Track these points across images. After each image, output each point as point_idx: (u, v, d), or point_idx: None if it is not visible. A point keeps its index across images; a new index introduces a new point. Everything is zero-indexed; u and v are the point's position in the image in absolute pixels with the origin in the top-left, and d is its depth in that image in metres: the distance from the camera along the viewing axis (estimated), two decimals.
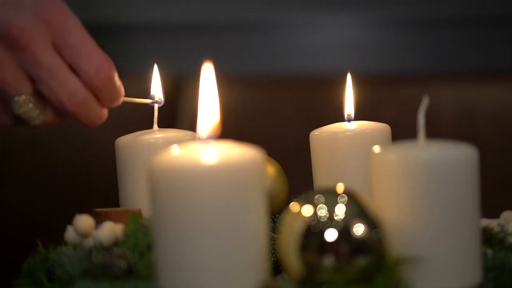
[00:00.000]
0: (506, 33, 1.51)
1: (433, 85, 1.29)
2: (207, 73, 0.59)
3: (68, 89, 0.66)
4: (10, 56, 0.64)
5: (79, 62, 0.66)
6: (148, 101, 0.75)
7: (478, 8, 1.50)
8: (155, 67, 0.77)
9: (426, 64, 1.51)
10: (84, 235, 0.63)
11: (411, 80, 1.34)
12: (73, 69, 0.66)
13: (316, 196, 0.56)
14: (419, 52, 1.51)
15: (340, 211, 0.55)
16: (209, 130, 0.57)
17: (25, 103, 0.66)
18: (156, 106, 0.76)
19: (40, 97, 0.67)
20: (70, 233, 0.63)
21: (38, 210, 1.21)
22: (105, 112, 0.70)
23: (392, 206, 0.58)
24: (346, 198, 0.56)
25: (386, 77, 1.36)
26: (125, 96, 0.71)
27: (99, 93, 0.68)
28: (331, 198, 0.56)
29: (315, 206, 0.56)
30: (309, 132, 0.77)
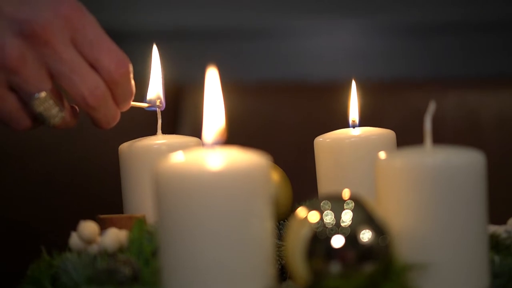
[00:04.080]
0: (509, 39, 1.51)
1: (436, 91, 1.29)
2: (212, 78, 0.59)
3: (90, 83, 0.66)
4: (31, 52, 0.65)
5: (99, 57, 0.67)
6: (145, 105, 0.75)
7: (481, 14, 1.50)
8: (155, 52, 0.76)
9: (430, 70, 1.51)
10: (88, 242, 0.62)
11: (415, 86, 1.33)
12: (92, 65, 0.67)
13: (322, 203, 0.56)
14: (423, 58, 1.51)
15: (346, 217, 0.55)
16: (215, 136, 0.57)
17: (45, 100, 0.66)
18: (158, 110, 0.75)
19: (58, 95, 0.67)
20: (74, 240, 0.63)
21: (41, 217, 1.21)
22: (119, 112, 0.70)
23: (399, 212, 0.57)
24: (353, 204, 0.56)
25: (390, 83, 1.36)
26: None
27: (116, 89, 0.68)
28: (337, 204, 0.56)
29: (321, 212, 0.55)
30: (313, 139, 0.77)
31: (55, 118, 0.67)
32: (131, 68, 0.69)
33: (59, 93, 0.67)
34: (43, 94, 0.66)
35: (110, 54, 0.67)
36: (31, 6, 0.65)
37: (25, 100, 0.66)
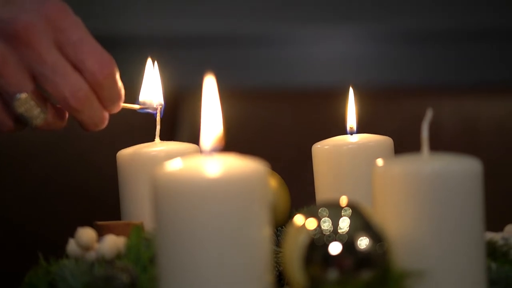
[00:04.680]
0: (504, 46, 1.51)
1: (433, 98, 1.29)
2: (209, 85, 0.59)
3: (72, 85, 0.66)
4: (13, 53, 0.65)
5: (83, 59, 0.66)
6: (137, 106, 0.75)
7: (477, 22, 1.50)
8: (150, 64, 0.76)
9: (427, 77, 1.51)
10: (86, 248, 0.62)
11: (412, 93, 1.34)
12: (76, 67, 0.66)
13: (320, 209, 0.56)
14: (420, 66, 1.51)
15: (344, 224, 0.55)
16: (213, 143, 0.57)
17: (26, 101, 0.66)
18: (158, 117, 0.75)
19: (41, 96, 0.67)
20: (72, 246, 0.63)
21: (40, 217, 1.21)
22: (106, 115, 0.70)
23: (396, 219, 0.57)
24: (350, 211, 0.56)
25: (388, 90, 1.36)
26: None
27: (102, 92, 0.68)
28: (335, 211, 0.56)
29: (319, 219, 0.55)
30: (311, 145, 0.77)
31: (37, 119, 0.67)
32: (116, 70, 0.68)
33: (41, 95, 0.67)
34: (23, 95, 0.65)
35: (94, 56, 0.66)
36: (14, 7, 0.65)
37: (7, 101, 0.66)
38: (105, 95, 0.68)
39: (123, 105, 0.71)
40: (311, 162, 0.77)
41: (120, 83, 0.69)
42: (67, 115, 0.70)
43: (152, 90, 0.75)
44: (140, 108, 0.75)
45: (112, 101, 0.69)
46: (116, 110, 0.70)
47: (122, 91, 0.70)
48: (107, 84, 0.67)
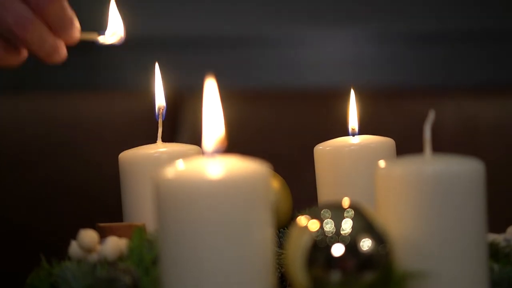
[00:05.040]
0: (504, 47, 1.51)
1: (434, 99, 1.29)
2: (211, 87, 0.59)
3: (15, 13, 0.65)
4: None
5: None
6: (96, 36, 0.72)
7: (477, 22, 1.50)
8: (113, 2, 0.75)
9: (428, 78, 1.51)
10: (88, 250, 0.62)
11: (413, 93, 1.34)
12: None
13: (322, 211, 0.56)
14: (421, 66, 1.51)
15: (346, 225, 0.55)
16: (215, 144, 0.57)
17: None
18: (160, 120, 0.75)
19: None
20: (74, 248, 0.63)
21: (40, 224, 1.21)
22: (60, 44, 0.68)
23: (399, 220, 0.57)
24: (353, 212, 0.56)
25: (389, 91, 1.36)
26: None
27: (49, 19, 0.67)
28: (338, 212, 0.56)
29: (321, 220, 0.55)
30: (313, 147, 0.77)
31: None
32: None
33: None
34: None
35: None
36: None
37: None
38: (54, 23, 0.67)
39: (82, 36, 0.70)
40: (313, 164, 0.77)
41: (70, 11, 0.68)
42: (23, 51, 0.69)
43: (116, 23, 0.73)
44: (101, 39, 0.73)
45: (63, 29, 0.68)
46: (71, 39, 0.69)
47: (74, 19, 0.68)
48: (53, 11, 0.66)
